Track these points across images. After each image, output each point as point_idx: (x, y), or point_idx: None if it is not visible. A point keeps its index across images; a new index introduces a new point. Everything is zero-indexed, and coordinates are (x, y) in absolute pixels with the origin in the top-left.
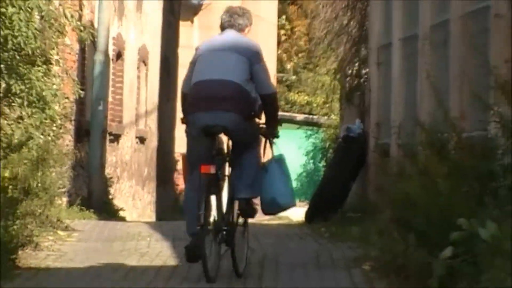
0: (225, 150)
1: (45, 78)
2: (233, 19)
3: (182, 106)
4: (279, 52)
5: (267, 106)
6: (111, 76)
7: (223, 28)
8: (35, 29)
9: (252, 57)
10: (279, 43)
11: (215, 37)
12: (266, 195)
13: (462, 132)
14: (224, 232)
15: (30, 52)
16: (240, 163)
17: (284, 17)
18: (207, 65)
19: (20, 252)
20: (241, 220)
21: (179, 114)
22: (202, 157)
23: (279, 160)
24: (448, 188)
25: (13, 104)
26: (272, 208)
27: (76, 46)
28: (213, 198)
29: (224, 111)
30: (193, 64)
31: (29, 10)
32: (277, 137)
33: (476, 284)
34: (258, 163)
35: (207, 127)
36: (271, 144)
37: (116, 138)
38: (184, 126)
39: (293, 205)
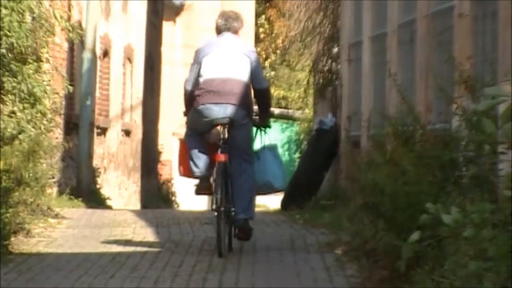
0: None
1: (36, 75)
2: (229, 22)
3: (186, 101)
4: (258, 50)
5: (261, 99)
6: (98, 73)
7: (219, 31)
8: (27, 29)
9: (251, 56)
10: (258, 41)
11: (215, 39)
12: (261, 178)
13: (427, 124)
14: (232, 213)
15: (22, 50)
16: (237, 179)
17: (263, 17)
18: (214, 64)
19: (12, 238)
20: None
21: (163, 108)
22: (204, 141)
23: (272, 148)
24: (413, 177)
25: (5, 99)
26: (266, 189)
27: (65, 45)
28: None
29: (231, 105)
30: (198, 64)
31: (21, 11)
32: (269, 127)
33: (441, 267)
34: (253, 184)
35: (216, 118)
36: (263, 133)
37: (103, 131)
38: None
39: (285, 187)
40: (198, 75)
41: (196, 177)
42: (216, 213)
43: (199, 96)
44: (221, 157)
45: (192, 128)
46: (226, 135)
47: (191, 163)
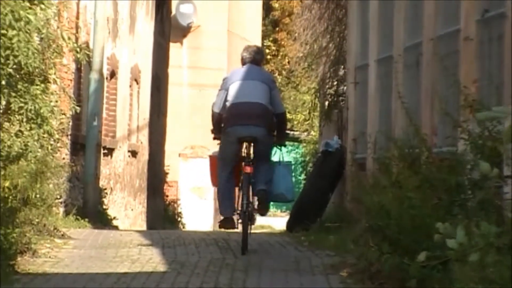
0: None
1: (43, 95)
2: (252, 55)
3: (213, 122)
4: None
5: (279, 122)
6: (105, 94)
7: (244, 62)
8: (35, 49)
9: (271, 84)
10: (265, 63)
11: (240, 69)
12: (276, 190)
13: (433, 147)
14: (251, 214)
15: (30, 71)
16: (260, 167)
17: (270, 39)
18: (239, 91)
19: (19, 258)
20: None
21: (169, 129)
22: (233, 157)
23: (286, 165)
24: (419, 200)
25: (12, 119)
26: (279, 199)
27: (73, 66)
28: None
29: (255, 126)
30: (225, 90)
31: (29, 32)
32: (285, 146)
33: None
34: (271, 169)
35: (242, 136)
36: (280, 150)
37: (109, 151)
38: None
39: (294, 199)
40: (225, 100)
41: (223, 216)
42: (242, 217)
43: (227, 119)
44: (247, 169)
45: (223, 155)
46: (251, 151)
47: (220, 203)
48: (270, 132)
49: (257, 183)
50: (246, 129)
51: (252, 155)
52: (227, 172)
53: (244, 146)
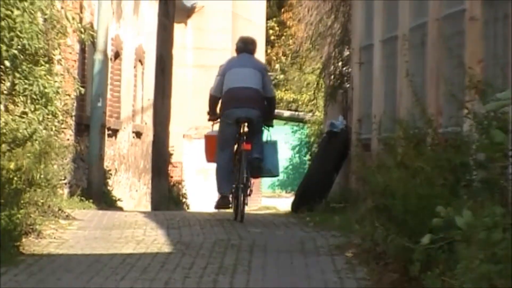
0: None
1: (47, 76)
2: (246, 45)
3: (210, 104)
4: (269, 52)
5: (269, 105)
6: (109, 75)
7: (239, 52)
8: (39, 30)
9: (263, 71)
10: (269, 44)
11: (236, 58)
12: (264, 166)
13: (438, 127)
14: (247, 187)
15: (34, 51)
16: (254, 142)
17: (274, 19)
18: (235, 77)
19: (24, 239)
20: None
21: (174, 110)
22: (232, 137)
23: (273, 143)
24: (425, 179)
25: (17, 101)
26: (266, 173)
27: (77, 46)
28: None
29: (250, 108)
30: (222, 76)
31: (33, 12)
32: (272, 126)
33: (451, 270)
34: (263, 147)
35: (239, 118)
36: (268, 130)
37: (114, 132)
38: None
39: (278, 174)
40: (222, 85)
41: (221, 194)
42: (239, 188)
43: (224, 102)
44: (247, 146)
45: (223, 137)
46: (247, 130)
47: (219, 182)
48: (262, 114)
49: (252, 153)
50: (243, 111)
51: (248, 135)
52: (227, 152)
53: (241, 127)
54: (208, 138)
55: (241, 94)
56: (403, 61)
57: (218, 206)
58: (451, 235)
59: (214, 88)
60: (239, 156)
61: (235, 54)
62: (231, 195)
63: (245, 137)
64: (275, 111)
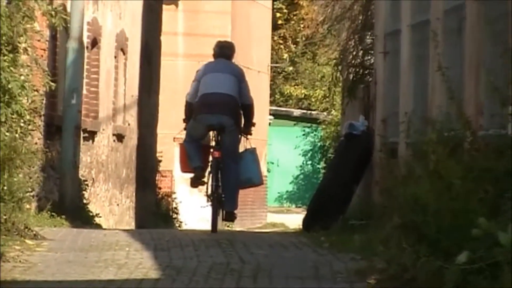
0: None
1: (11, 68)
2: (223, 51)
3: (186, 112)
4: (275, 38)
5: (245, 112)
6: (85, 66)
7: (215, 56)
8: (1, 13)
9: (240, 77)
10: (275, 28)
11: (212, 63)
12: (243, 175)
13: (478, 129)
14: (222, 198)
15: None
16: (226, 160)
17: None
18: (210, 82)
19: None
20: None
21: (162, 108)
22: (200, 138)
23: (252, 152)
24: (461, 192)
25: None
26: (247, 183)
27: (47, 33)
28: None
29: (222, 114)
30: (197, 81)
31: None
32: (250, 134)
33: None
34: (238, 180)
35: (211, 124)
36: (246, 139)
37: (91, 135)
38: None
39: (262, 183)
40: (197, 91)
41: (193, 168)
42: (211, 198)
43: (197, 107)
44: (216, 154)
45: (191, 134)
46: (219, 138)
47: (189, 158)
48: (237, 122)
49: (225, 201)
50: (214, 118)
51: (220, 143)
52: (195, 143)
53: (212, 134)
54: (183, 148)
55: (214, 100)
56: (436, 50)
57: (195, 182)
58: (493, 254)
59: (190, 94)
60: (211, 163)
61: (206, 63)
62: (202, 169)
63: (217, 145)
64: (279, 112)
